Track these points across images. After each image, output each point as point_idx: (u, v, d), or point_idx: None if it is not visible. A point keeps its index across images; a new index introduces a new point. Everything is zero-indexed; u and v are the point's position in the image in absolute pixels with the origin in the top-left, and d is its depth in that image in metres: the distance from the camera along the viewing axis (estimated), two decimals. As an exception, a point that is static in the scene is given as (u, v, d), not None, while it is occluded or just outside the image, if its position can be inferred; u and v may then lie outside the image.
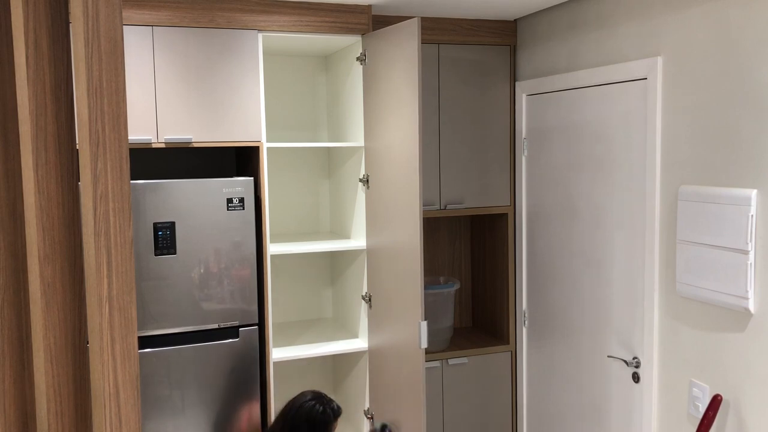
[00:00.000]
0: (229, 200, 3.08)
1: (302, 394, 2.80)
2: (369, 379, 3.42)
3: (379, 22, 3.45)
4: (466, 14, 3.54)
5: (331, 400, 2.76)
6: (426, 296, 3.74)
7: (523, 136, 3.72)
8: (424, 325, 2.86)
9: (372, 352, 3.37)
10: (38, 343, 1.06)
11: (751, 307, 2.39)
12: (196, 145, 3.06)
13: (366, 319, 3.42)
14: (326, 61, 3.85)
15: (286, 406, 2.79)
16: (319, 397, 2.74)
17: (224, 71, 3.08)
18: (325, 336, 3.58)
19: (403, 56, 2.91)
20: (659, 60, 2.76)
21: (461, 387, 3.81)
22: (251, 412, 3.18)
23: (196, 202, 3.03)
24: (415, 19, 2.78)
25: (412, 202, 2.88)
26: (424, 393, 2.89)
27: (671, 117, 2.72)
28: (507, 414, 3.92)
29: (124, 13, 2.92)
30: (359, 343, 3.44)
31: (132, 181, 2.94)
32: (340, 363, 3.84)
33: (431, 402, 3.75)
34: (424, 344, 2.88)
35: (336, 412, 2.73)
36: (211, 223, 3.06)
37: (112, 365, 1.02)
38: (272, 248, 3.28)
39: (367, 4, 3.24)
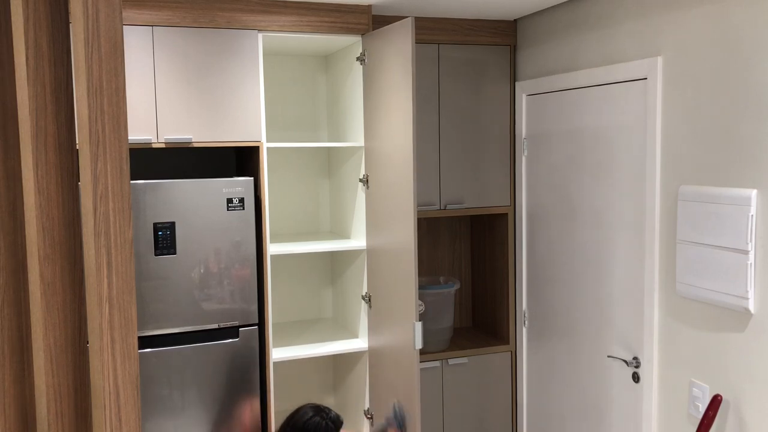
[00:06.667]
0: (229, 200, 3.08)
1: (300, 409, 2.73)
2: (369, 379, 3.42)
3: (379, 22, 3.45)
4: (466, 14, 3.54)
5: (330, 410, 2.72)
6: (426, 296, 3.74)
7: (523, 136, 3.72)
8: (418, 326, 2.86)
9: (372, 352, 3.37)
10: (38, 343, 1.06)
11: (751, 307, 2.39)
12: (196, 145, 3.06)
13: (366, 319, 3.42)
14: (326, 61, 3.85)
15: (285, 424, 2.71)
16: (318, 411, 2.71)
17: (224, 71, 3.08)
18: (325, 336, 3.58)
19: (399, 56, 2.91)
20: (659, 60, 2.76)
21: (461, 387, 3.81)
22: (251, 412, 3.18)
23: (196, 202, 3.03)
24: (409, 18, 2.79)
25: (406, 202, 2.88)
26: (419, 393, 2.89)
27: (671, 117, 2.72)
28: (507, 414, 3.92)
29: (124, 13, 2.92)
30: (359, 343, 3.44)
31: (132, 181, 2.94)
32: (340, 363, 3.84)
33: (431, 402, 3.75)
34: (419, 345, 2.88)
35: (337, 423, 2.71)
36: (211, 223, 3.06)
37: (112, 365, 1.02)
38: (272, 248, 3.28)
39: (367, 4, 3.24)
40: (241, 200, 3.09)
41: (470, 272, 4.24)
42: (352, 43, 3.39)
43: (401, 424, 2.92)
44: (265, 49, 3.55)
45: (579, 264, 3.31)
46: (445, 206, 3.72)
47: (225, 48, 3.08)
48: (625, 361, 3.03)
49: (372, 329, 3.36)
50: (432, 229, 4.13)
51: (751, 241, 2.37)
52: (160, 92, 3.00)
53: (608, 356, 3.13)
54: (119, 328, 1.02)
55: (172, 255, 3.01)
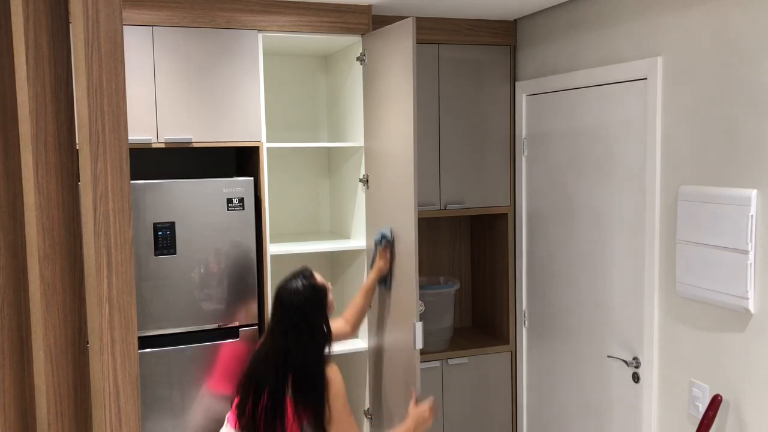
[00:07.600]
0: (229, 200, 3.08)
1: (285, 282, 2.60)
2: (369, 379, 3.42)
3: (379, 22, 3.45)
4: (466, 14, 3.54)
5: (304, 269, 2.63)
6: (426, 296, 3.74)
7: (523, 136, 3.72)
8: (419, 326, 2.86)
9: (372, 352, 3.37)
10: (38, 343, 1.06)
11: (751, 307, 2.39)
12: (196, 145, 3.06)
13: (366, 319, 3.42)
14: (326, 61, 3.85)
15: (274, 301, 2.58)
16: (295, 276, 2.61)
17: (224, 71, 3.08)
18: (325, 336, 3.57)
19: (399, 56, 2.91)
20: (659, 60, 2.76)
21: (461, 387, 3.80)
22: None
23: (196, 202, 3.03)
24: (410, 18, 2.79)
25: (407, 203, 2.88)
26: (419, 393, 2.89)
27: (671, 117, 2.72)
28: (507, 414, 3.91)
29: (124, 13, 2.92)
30: (359, 343, 3.44)
31: (132, 181, 2.94)
32: (340, 363, 3.83)
33: (431, 402, 3.75)
34: (420, 345, 2.87)
35: (306, 273, 2.60)
36: (211, 223, 3.05)
37: (112, 365, 1.02)
38: (272, 248, 3.28)
39: (367, 4, 3.24)
40: (241, 200, 3.09)
41: (470, 272, 4.24)
42: (352, 43, 3.39)
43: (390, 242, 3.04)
44: (265, 49, 3.55)
45: (579, 264, 3.31)
46: (445, 206, 3.72)
47: (225, 48, 3.08)
48: (625, 362, 3.03)
49: (372, 329, 3.36)
50: (432, 229, 4.13)
51: (751, 241, 2.37)
52: (160, 92, 3.00)
53: (608, 356, 3.13)
54: (119, 328, 1.02)
55: (172, 255, 3.01)
